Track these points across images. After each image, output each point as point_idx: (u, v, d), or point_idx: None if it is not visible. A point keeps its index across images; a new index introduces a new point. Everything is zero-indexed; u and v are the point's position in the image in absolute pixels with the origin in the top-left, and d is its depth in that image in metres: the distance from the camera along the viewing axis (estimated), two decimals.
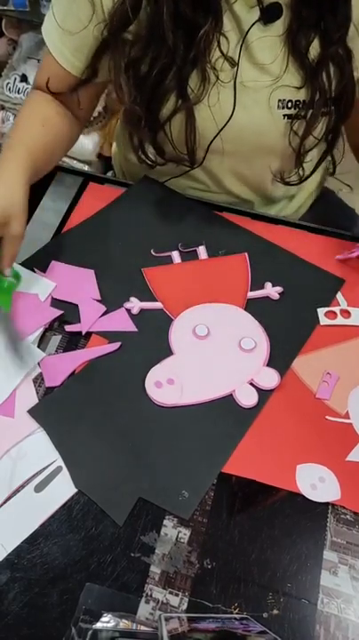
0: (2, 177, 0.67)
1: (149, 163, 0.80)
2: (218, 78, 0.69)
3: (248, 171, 0.85)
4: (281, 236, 0.83)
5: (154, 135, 0.75)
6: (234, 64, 0.69)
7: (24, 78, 1.72)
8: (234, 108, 0.72)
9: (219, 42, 0.67)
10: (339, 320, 0.74)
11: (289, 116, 0.74)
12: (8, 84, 1.72)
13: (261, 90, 0.72)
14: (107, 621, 0.52)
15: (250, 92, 0.72)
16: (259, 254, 0.80)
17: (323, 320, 0.74)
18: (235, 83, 0.70)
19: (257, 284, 0.77)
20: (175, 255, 0.80)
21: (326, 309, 0.75)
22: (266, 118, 0.74)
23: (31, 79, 1.72)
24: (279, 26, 0.68)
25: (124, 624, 0.52)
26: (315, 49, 0.69)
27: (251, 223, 0.85)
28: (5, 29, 1.74)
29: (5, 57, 1.78)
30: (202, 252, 0.80)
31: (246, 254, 0.80)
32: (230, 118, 0.72)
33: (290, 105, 0.73)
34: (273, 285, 0.76)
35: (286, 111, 0.74)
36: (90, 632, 0.51)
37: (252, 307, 0.74)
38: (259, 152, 0.80)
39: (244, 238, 0.82)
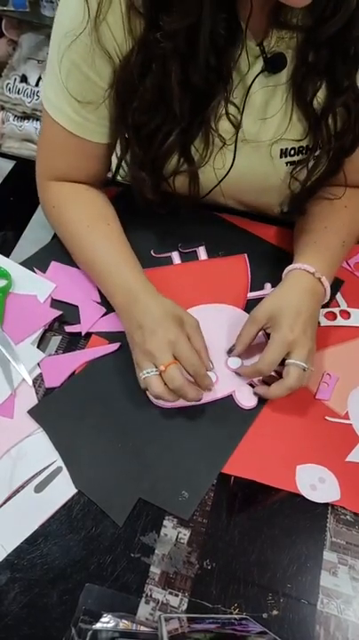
0: (146, 292, 0.66)
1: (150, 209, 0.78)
2: (224, 144, 0.67)
3: (248, 204, 0.84)
4: (281, 237, 0.83)
5: (155, 191, 0.73)
6: (238, 127, 0.66)
7: (24, 79, 1.72)
8: (233, 161, 0.70)
9: (226, 108, 0.64)
10: (339, 321, 0.74)
11: (291, 163, 0.72)
12: (8, 84, 1.72)
13: (263, 143, 0.70)
14: (106, 622, 0.52)
15: (252, 146, 0.69)
16: (259, 255, 0.80)
17: (323, 321, 0.74)
18: (236, 140, 0.68)
19: (257, 285, 0.77)
20: (175, 256, 0.80)
21: (326, 310, 0.75)
22: (267, 167, 0.72)
23: (31, 80, 1.72)
24: (283, 74, 0.64)
25: (124, 624, 0.52)
26: (320, 97, 0.65)
27: (251, 224, 0.85)
28: (5, 30, 1.74)
29: (5, 57, 1.78)
30: (201, 252, 0.80)
31: (246, 255, 0.80)
32: (230, 170, 0.70)
33: (293, 152, 0.71)
34: (272, 286, 0.76)
35: (289, 159, 0.71)
36: (90, 632, 0.51)
37: (252, 307, 0.74)
38: (260, 193, 0.79)
39: (244, 239, 0.82)
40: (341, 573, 0.56)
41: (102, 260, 0.70)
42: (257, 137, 0.69)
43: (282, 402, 0.66)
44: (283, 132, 0.68)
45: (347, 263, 0.81)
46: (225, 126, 0.66)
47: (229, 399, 0.67)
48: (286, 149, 0.70)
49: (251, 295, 0.76)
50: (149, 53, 0.59)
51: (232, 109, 0.64)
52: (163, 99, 0.61)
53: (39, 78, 1.68)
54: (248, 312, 0.74)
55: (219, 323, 0.73)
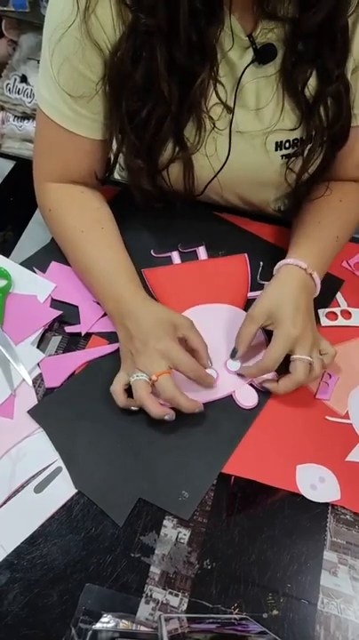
0: (136, 301, 0.67)
1: (147, 204, 0.78)
2: (214, 126, 0.67)
3: (246, 200, 0.84)
4: (281, 237, 0.83)
5: (152, 183, 0.73)
6: (230, 110, 0.67)
7: (24, 79, 1.72)
8: (229, 154, 0.70)
9: (215, 89, 0.64)
10: (340, 321, 0.74)
11: (286, 156, 0.72)
12: (8, 84, 1.72)
13: (257, 135, 0.70)
14: (106, 622, 0.52)
15: (246, 138, 0.70)
16: (259, 255, 0.80)
17: (324, 321, 0.74)
18: (230, 130, 0.68)
19: (257, 285, 0.77)
20: (175, 256, 0.80)
21: (327, 310, 0.75)
22: (262, 161, 0.72)
23: (31, 80, 1.72)
24: (274, 64, 0.65)
25: (124, 624, 0.52)
26: (311, 86, 0.66)
27: (251, 223, 0.85)
28: (5, 30, 1.74)
29: (5, 58, 1.78)
30: (202, 252, 0.80)
31: (246, 255, 0.80)
32: (225, 163, 0.71)
33: (287, 145, 0.71)
34: None
35: (284, 152, 0.72)
36: (90, 632, 0.51)
37: None
38: (257, 188, 0.80)
39: (244, 239, 0.82)
40: (341, 573, 0.56)
41: (94, 267, 0.71)
42: (251, 128, 0.69)
43: (282, 402, 0.66)
44: (276, 122, 0.68)
45: (348, 263, 0.81)
46: (217, 111, 0.66)
47: (229, 399, 0.66)
48: (281, 142, 0.71)
49: (252, 295, 0.76)
50: (138, 40, 0.60)
51: (221, 91, 0.65)
52: (154, 83, 0.61)
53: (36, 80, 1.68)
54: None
55: (219, 323, 0.73)
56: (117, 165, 1.05)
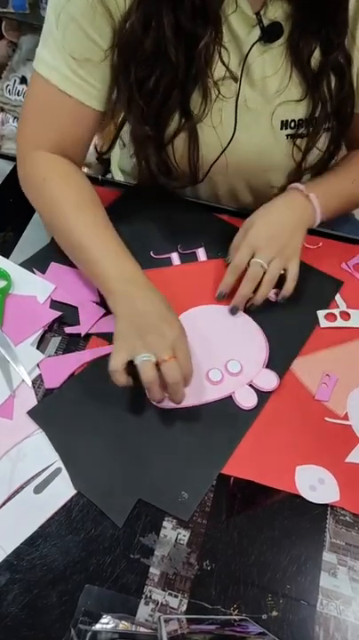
0: (148, 283, 0.66)
1: (153, 180, 0.79)
2: (219, 93, 0.68)
3: (250, 185, 0.85)
4: None
5: (159, 154, 0.74)
6: (235, 79, 0.69)
7: (24, 80, 1.72)
8: (235, 128, 0.71)
9: (220, 55, 0.66)
10: (339, 322, 0.74)
11: (291, 136, 0.74)
12: (8, 86, 1.72)
13: (263, 111, 0.72)
14: (106, 623, 0.52)
15: (252, 114, 0.72)
16: None
17: (323, 322, 0.74)
18: (236, 101, 0.70)
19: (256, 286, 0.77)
20: (174, 257, 0.80)
21: (326, 312, 0.75)
22: (268, 139, 0.74)
23: None
24: (281, 39, 0.68)
25: (124, 625, 0.52)
26: (315, 58, 0.69)
27: None
28: (5, 31, 1.74)
29: (5, 59, 1.78)
30: (201, 253, 0.80)
31: None
32: (232, 137, 0.72)
33: (293, 125, 0.73)
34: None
35: (289, 131, 0.74)
36: (89, 633, 0.51)
37: (251, 308, 0.74)
38: (262, 169, 0.81)
39: None
40: (341, 574, 0.56)
41: (92, 245, 0.68)
42: (257, 104, 0.71)
43: (281, 403, 0.67)
44: (283, 90, 0.70)
45: (347, 264, 0.81)
46: (223, 82, 0.68)
47: (229, 400, 0.66)
48: (286, 121, 0.73)
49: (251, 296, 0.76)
50: (147, 8, 0.62)
51: (226, 58, 0.67)
52: (162, 50, 0.63)
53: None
54: (247, 313, 0.74)
55: (218, 324, 0.73)
56: (117, 166, 1.05)
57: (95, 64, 0.67)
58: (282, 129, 0.73)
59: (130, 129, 0.75)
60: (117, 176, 1.06)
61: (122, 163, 1.02)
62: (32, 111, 0.73)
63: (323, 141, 0.76)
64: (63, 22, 0.64)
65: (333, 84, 0.70)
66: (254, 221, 0.72)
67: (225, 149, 0.73)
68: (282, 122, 0.73)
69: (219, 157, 0.75)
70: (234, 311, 0.72)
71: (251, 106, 0.71)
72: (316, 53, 0.68)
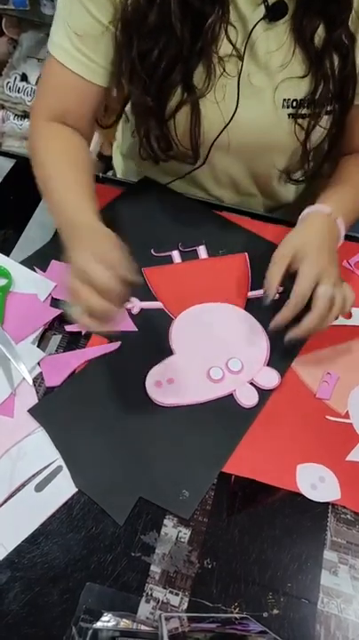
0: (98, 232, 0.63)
1: (153, 157, 0.80)
2: (224, 70, 0.69)
3: (252, 168, 0.85)
4: (281, 236, 0.82)
5: (160, 128, 0.75)
6: (240, 57, 0.69)
7: (24, 77, 1.72)
8: (237, 103, 0.72)
9: (226, 32, 0.67)
10: (340, 320, 0.74)
11: (293, 115, 0.74)
12: (8, 83, 1.72)
13: (266, 88, 0.72)
14: (107, 621, 0.52)
15: (255, 90, 0.72)
16: (260, 254, 0.80)
17: None
18: (239, 77, 0.70)
19: (257, 284, 0.77)
20: (175, 255, 0.80)
21: None
22: (270, 117, 0.74)
23: (31, 78, 1.72)
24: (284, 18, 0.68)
25: (125, 623, 0.52)
26: (319, 36, 0.69)
27: (251, 223, 0.85)
28: (5, 28, 1.74)
29: (5, 56, 1.78)
30: (202, 251, 0.80)
31: (246, 254, 0.80)
32: (235, 113, 0.72)
33: (295, 104, 0.73)
34: None
35: (291, 110, 0.74)
36: (90, 631, 0.51)
37: (252, 306, 0.74)
38: (264, 149, 0.81)
39: (244, 238, 0.82)
40: (342, 572, 0.56)
41: (66, 198, 0.68)
42: (260, 82, 0.71)
43: (282, 401, 0.66)
44: (286, 65, 0.70)
45: (348, 262, 0.81)
46: (228, 60, 0.68)
47: (230, 398, 0.66)
48: (288, 100, 0.73)
49: (252, 294, 0.76)
50: None
51: (235, 39, 0.67)
52: (166, 24, 0.64)
53: (39, 77, 1.69)
54: (248, 311, 0.74)
55: (219, 322, 0.73)
56: (118, 164, 1.05)
57: (97, 39, 0.69)
58: (284, 107, 0.74)
59: (131, 101, 0.76)
60: (117, 163, 1.05)
61: (123, 146, 1.01)
62: (41, 86, 0.77)
63: (324, 124, 0.76)
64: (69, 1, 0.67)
65: (336, 64, 0.70)
66: (306, 251, 0.67)
67: (227, 125, 0.74)
68: (284, 100, 0.73)
69: (220, 133, 0.75)
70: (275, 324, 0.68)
71: (254, 82, 0.72)
72: (320, 31, 0.68)
